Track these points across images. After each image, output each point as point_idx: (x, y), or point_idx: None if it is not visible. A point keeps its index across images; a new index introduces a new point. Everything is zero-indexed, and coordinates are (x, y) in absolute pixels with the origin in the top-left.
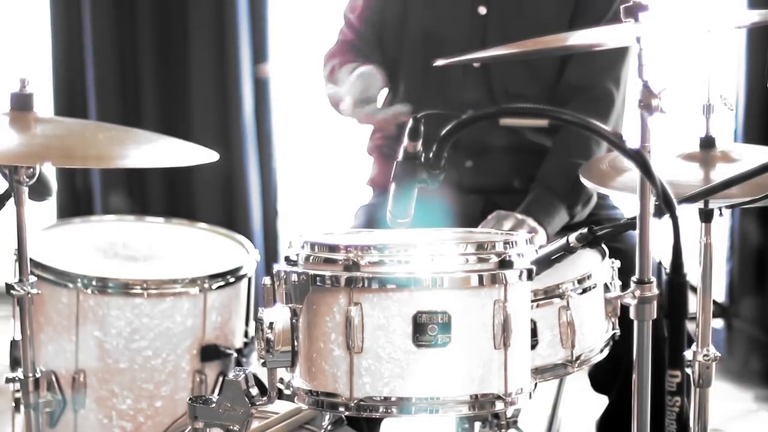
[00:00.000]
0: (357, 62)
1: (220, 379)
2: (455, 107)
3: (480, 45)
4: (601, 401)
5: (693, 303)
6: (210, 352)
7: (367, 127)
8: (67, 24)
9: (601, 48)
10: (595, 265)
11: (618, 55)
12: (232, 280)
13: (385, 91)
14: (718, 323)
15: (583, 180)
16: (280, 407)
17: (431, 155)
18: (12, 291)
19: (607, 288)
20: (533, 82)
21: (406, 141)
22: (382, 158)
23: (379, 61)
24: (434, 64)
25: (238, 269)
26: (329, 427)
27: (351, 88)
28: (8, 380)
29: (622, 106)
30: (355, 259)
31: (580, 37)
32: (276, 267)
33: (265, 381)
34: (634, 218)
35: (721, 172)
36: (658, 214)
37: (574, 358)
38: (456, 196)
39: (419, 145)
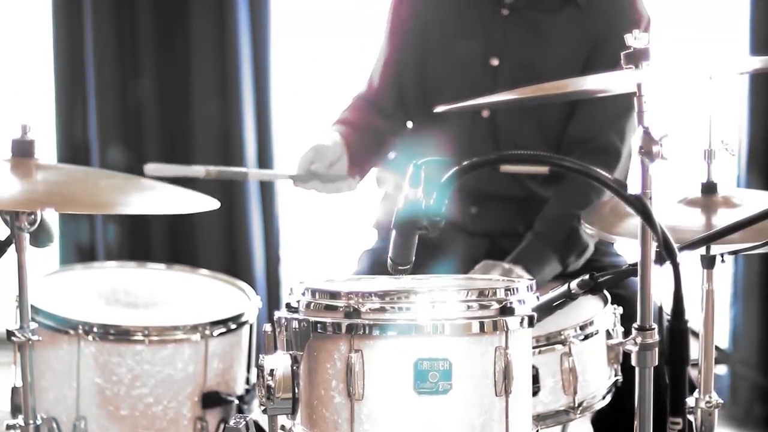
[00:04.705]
0: (367, 118)
1: (222, 426)
2: (463, 157)
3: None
4: None
5: (695, 349)
6: (211, 399)
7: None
8: (70, 72)
9: (606, 98)
10: (597, 312)
11: (622, 107)
12: (233, 326)
13: (342, 162)
14: (721, 369)
15: (584, 227)
16: None
17: (432, 202)
18: (13, 337)
19: (609, 334)
20: (540, 135)
21: (407, 188)
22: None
23: (395, 116)
24: (434, 110)
25: (239, 316)
26: None
27: (300, 160)
28: (9, 427)
29: (628, 160)
30: (356, 306)
31: (581, 84)
32: (277, 314)
33: (266, 428)
34: (636, 264)
35: (723, 218)
36: (660, 260)
37: (576, 405)
38: (461, 238)
39: (420, 192)
